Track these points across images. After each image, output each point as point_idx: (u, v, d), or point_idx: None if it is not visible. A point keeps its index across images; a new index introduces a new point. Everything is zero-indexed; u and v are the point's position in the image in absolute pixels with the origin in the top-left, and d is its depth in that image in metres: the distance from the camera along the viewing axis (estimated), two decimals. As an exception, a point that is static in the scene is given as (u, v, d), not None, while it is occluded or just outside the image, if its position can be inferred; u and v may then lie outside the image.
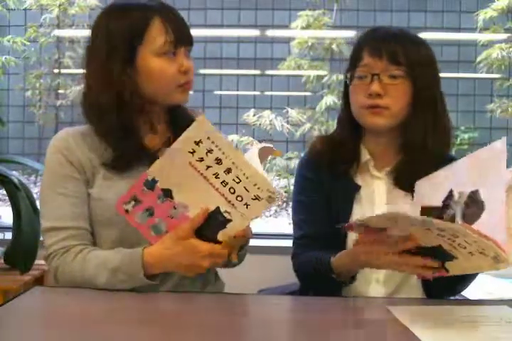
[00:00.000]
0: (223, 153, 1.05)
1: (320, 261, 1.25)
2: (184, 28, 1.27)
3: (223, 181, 1.06)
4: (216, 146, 1.05)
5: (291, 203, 1.45)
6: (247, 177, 1.05)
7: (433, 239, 0.98)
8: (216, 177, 1.06)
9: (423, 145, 1.31)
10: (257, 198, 1.05)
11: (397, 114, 1.29)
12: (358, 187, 1.34)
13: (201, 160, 1.06)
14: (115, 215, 1.19)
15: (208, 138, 1.05)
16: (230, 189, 1.06)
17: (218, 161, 1.06)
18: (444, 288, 1.27)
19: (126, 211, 1.13)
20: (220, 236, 1.09)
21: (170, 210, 1.11)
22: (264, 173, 1.07)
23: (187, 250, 1.11)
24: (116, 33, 1.23)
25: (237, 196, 1.06)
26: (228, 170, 1.05)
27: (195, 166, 1.07)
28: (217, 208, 1.08)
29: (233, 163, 1.05)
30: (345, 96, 1.37)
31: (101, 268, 1.16)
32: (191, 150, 1.06)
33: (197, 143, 1.06)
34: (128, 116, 1.24)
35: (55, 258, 1.21)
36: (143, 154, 1.25)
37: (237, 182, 1.05)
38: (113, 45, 1.22)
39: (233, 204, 1.07)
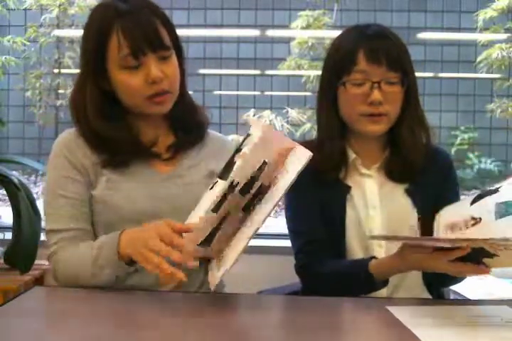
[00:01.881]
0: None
1: (355, 268, 1.23)
2: (148, 32, 1.17)
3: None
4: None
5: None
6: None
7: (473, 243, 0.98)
8: None
9: (413, 142, 1.34)
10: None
11: (394, 119, 1.31)
12: (348, 188, 1.34)
13: None
14: (119, 217, 1.20)
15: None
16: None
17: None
18: (443, 279, 1.28)
19: None
20: None
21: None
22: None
23: (144, 228, 1.08)
24: (87, 40, 1.23)
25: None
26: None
27: None
28: None
29: None
30: (333, 101, 1.33)
31: (86, 258, 1.15)
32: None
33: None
34: (112, 122, 1.23)
35: (53, 256, 1.22)
36: (138, 148, 1.25)
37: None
38: (86, 54, 1.23)
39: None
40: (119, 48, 1.17)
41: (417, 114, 1.35)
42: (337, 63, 1.31)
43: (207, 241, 1.03)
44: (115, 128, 1.24)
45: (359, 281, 1.21)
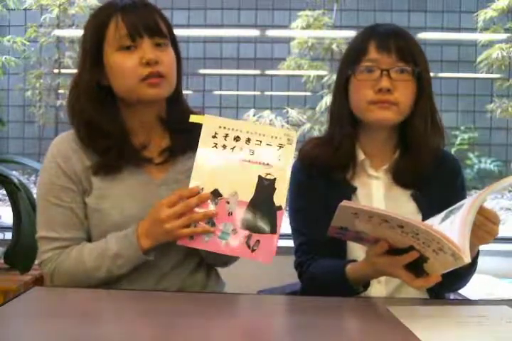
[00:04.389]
0: (236, 130, 1.14)
1: (333, 272, 1.23)
2: (146, 19, 1.20)
3: (249, 150, 1.13)
4: (229, 129, 1.14)
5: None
6: (263, 135, 1.14)
7: (403, 239, 1.01)
8: (242, 151, 1.13)
9: (424, 142, 1.32)
10: (280, 146, 1.13)
11: (404, 111, 1.29)
12: (354, 189, 1.34)
13: (224, 147, 1.13)
14: (110, 225, 1.20)
15: (220, 126, 1.14)
16: (258, 153, 1.13)
17: (237, 138, 1.14)
18: (445, 285, 1.27)
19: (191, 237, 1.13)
20: (277, 200, 1.13)
21: (226, 208, 1.12)
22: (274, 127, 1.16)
23: (151, 216, 1.15)
24: (87, 35, 1.24)
25: (267, 154, 1.13)
26: (248, 140, 1.13)
27: (223, 155, 1.13)
28: (259, 176, 1.12)
29: (247, 131, 1.14)
30: (345, 92, 1.34)
31: (101, 259, 1.17)
32: (213, 145, 1.13)
33: (214, 136, 1.14)
34: (105, 116, 1.23)
35: (49, 264, 1.22)
36: (127, 152, 1.24)
37: (259, 144, 1.13)
38: (85, 48, 1.24)
39: (268, 164, 1.13)
40: (116, 30, 1.19)
41: (430, 111, 1.33)
42: (349, 55, 1.33)
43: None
44: (106, 116, 1.23)
45: (337, 285, 1.21)
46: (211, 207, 1.11)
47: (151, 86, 1.20)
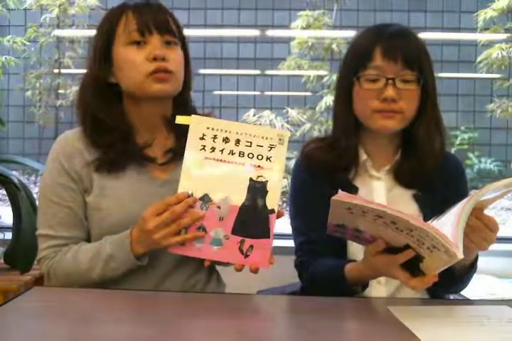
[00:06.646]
0: (225, 131, 1.11)
1: (332, 272, 1.23)
2: (157, 17, 1.22)
3: (240, 153, 1.10)
4: (217, 130, 1.11)
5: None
6: (254, 136, 1.11)
7: (397, 236, 1.01)
8: (232, 154, 1.10)
9: (428, 147, 1.32)
10: (272, 147, 1.10)
11: (409, 118, 1.29)
12: (355, 189, 1.34)
13: (213, 149, 1.10)
14: (110, 224, 1.20)
15: (208, 127, 1.11)
16: (248, 155, 1.10)
17: (226, 140, 1.10)
18: (444, 287, 1.27)
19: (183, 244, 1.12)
20: (269, 203, 1.10)
21: (216, 213, 1.10)
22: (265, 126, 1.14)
23: (140, 226, 1.13)
24: (98, 32, 1.26)
25: (258, 156, 1.10)
26: (237, 141, 1.10)
27: (212, 157, 1.10)
28: (250, 179, 1.10)
29: (236, 132, 1.11)
30: (348, 97, 1.32)
31: (95, 260, 1.18)
32: (201, 148, 1.10)
33: (201, 138, 1.10)
34: (111, 113, 1.24)
35: (46, 261, 1.23)
36: (130, 149, 1.24)
37: (250, 146, 1.10)
38: (95, 45, 1.25)
39: (259, 166, 1.10)
40: (126, 25, 1.21)
41: (435, 116, 1.33)
42: (354, 59, 1.31)
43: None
44: (111, 112, 1.24)
45: (335, 285, 1.21)
46: (201, 213, 1.10)
47: (158, 81, 1.20)
